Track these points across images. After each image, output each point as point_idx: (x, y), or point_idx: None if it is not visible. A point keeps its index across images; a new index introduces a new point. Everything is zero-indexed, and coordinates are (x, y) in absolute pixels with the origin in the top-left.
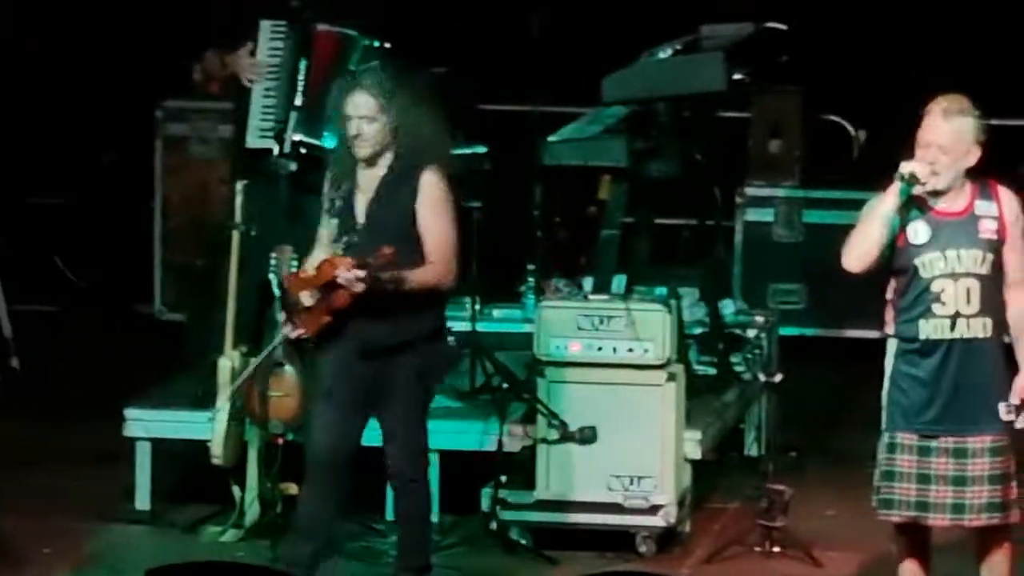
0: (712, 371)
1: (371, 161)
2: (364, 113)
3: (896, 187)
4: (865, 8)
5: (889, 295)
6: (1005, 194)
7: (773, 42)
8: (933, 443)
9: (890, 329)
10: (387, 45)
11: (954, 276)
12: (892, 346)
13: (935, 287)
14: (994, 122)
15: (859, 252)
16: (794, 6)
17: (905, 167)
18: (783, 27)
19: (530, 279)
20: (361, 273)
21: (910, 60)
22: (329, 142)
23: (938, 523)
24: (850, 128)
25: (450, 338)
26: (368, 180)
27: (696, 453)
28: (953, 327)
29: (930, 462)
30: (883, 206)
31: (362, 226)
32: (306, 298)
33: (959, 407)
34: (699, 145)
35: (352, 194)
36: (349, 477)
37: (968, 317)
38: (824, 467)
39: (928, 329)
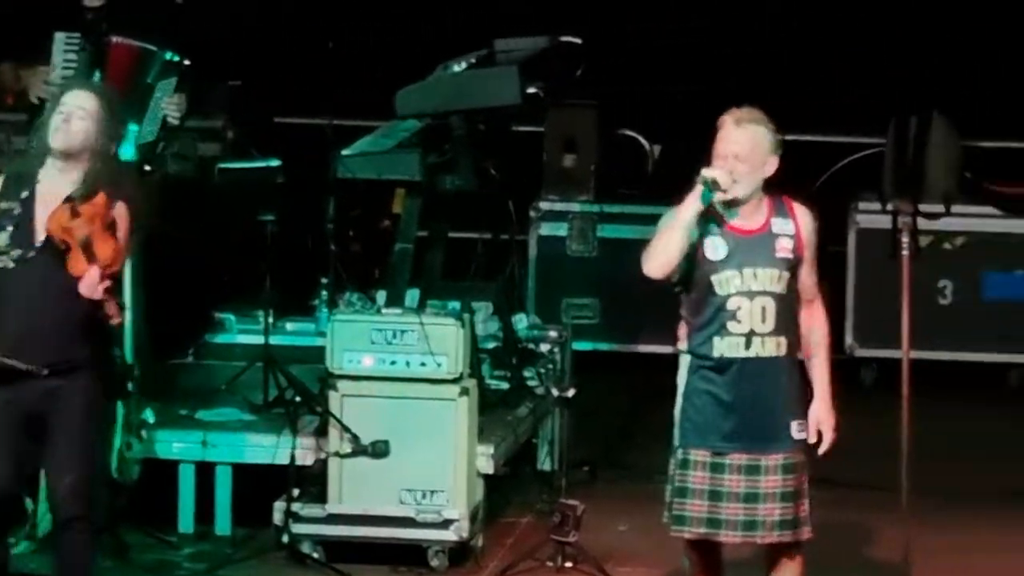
0: (505, 385)
1: (65, 159)
2: (82, 105)
3: (698, 192)
4: (659, 22)
5: (683, 311)
6: (801, 212)
7: (568, 56)
8: (726, 460)
9: (684, 345)
10: (186, 61)
11: (750, 294)
12: (685, 362)
13: (731, 305)
14: (789, 137)
15: (661, 259)
16: (588, 20)
17: (707, 172)
18: (578, 41)
19: (323, 292)
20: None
21: (704, 75)
22: (126, 152)
23: (729, 540)
24: (645, 143)
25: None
26: (52, 189)
27: (489, 467)
28: (748, 345)
29: (722, 479)
30: (685, 212)
31: (43, 243)
32: None
33: (752, 425)
34: (493, 159)
35: (31, 202)
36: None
37: (763, 336)
38: (616, 482)
39: (723, 347)
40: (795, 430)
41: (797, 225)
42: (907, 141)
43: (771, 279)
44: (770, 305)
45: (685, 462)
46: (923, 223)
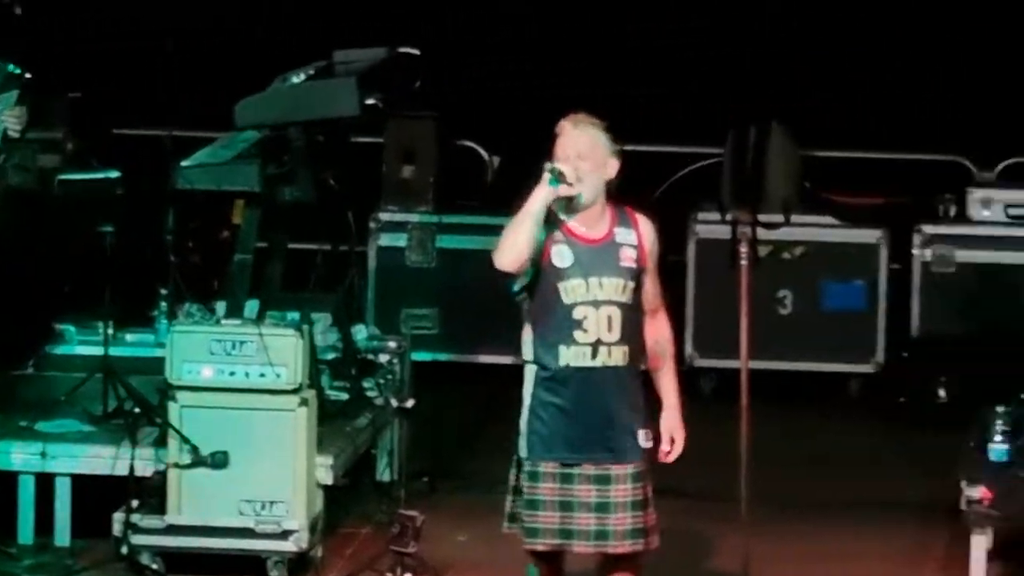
0: (344, 396)
1: None
2: None
3: (545, 180)
4: (497, 34)
5: (527, 321)
6: (643, 221)
7: (406, 67)
8: (575, 471)
9: (528, 355)
10: (27, 75)
11: (596, 303)
12: (530, 373)
13: (577, 314)
14: (628, 147)
15: (512, 251)
16: (427, 31)
17: (554, 163)
18: (416, 52)
19: (163, 303)
20: None
21: (542, 86)
22: None
23: (582, 550)
24: (484, 154)
25: None
26: None
27: (328, 478)
28: (595, 355)
29: (572, 489)
30: (533, 203)
31: None
32: None
33: (601, 435)
34: (332, 170)
35: None
36: None
37: (609, 345)
38: (455, 492)
39: (569, 356)
40: (642, 439)
41: (640, 235)
42: (746, 151)
43: (616, 289)
44: (616, 314)
45: (534, 474)
46: (762, 233)
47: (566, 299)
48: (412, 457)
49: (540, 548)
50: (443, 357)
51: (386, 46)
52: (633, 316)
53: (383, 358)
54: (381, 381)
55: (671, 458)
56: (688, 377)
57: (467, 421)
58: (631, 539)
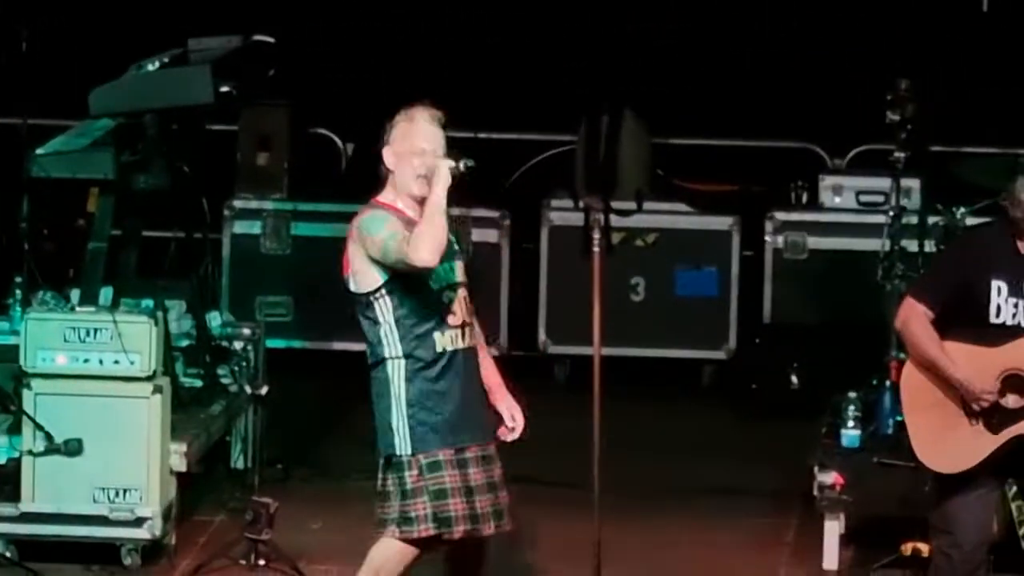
0: (199, 383)
1: None
2: None
3: (447, 177)
4: (350, 22)
5: (385, 317)
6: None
7: (261, 55)
8: (467, 454)
9: (394, 352)
10: None
11: (454, 286)
12: (398, 368)
13: (445, 298)
14: (482, 135)
15: (434, 244)
16: (282, 20)
17: (450, 165)
18: (271, 40)
19: (17, 291)
20: None
21: (395, 74)
22: None
23: (489, 532)
24: (338, 141)
25: None
26: None
27: (182, 465)
28: (463, 336)
29: (468, 473)
30: (443, 199)
31: None
32: None
33: (476, 415)
34: (187, 158)
35: None
36: None
37: (469, 326)
38: (310, 480)
39: (445, 341)
40: (490, 418)
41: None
42: (598, 138)
43: (462, 270)
44: (465, 295)
45: (435, 464)
46: (615, 220)
47: (434, 285)
48: (266, 444)
49: (456, 536)
50: (297, 344)
51: (241, 34)
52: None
53: (237, 345)
54: (235, 368)
55: (517, 435)
56: (541, 364)
57: (321, 408)
58: (503, 519)
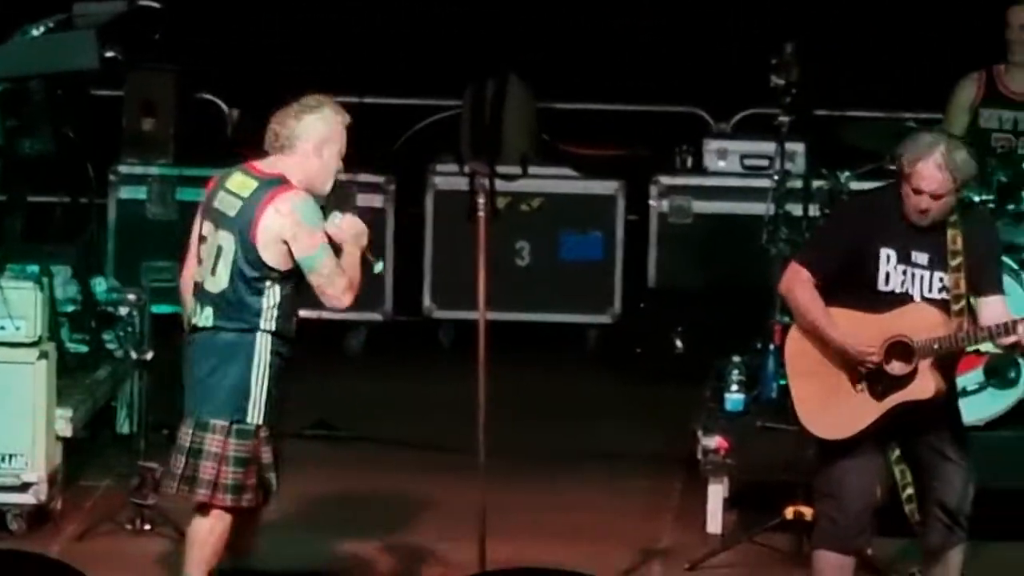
0: (84, 349)
1: None
2: None
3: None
4: None
5: (271, 295)
6: None
7: (146, 20)
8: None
9: (268, 326)
10: None
11: None
12: (265, 342)
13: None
14: (367, 100)
15: (355, 291)
16: None
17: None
18: (156, 5)
19: None
20: None
21: (280, 40)
22: None
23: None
24: (224, 107)
25: None
26: None
27: (68, 431)
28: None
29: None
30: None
31: None
32: None
33: None
34: (72, 123)
35: None
36: None
37: None
38: None
39: (293, 324)
40: None
41: None
42: (484, 103)
43: None
44: None
45: (269, 438)
46: (500, 185)
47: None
48: (152, 409)
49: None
50: (182, 310)
51: None
52: None
53: (123, 311)
54: (121, 333)
55: None
56: (427, 329)
57: None
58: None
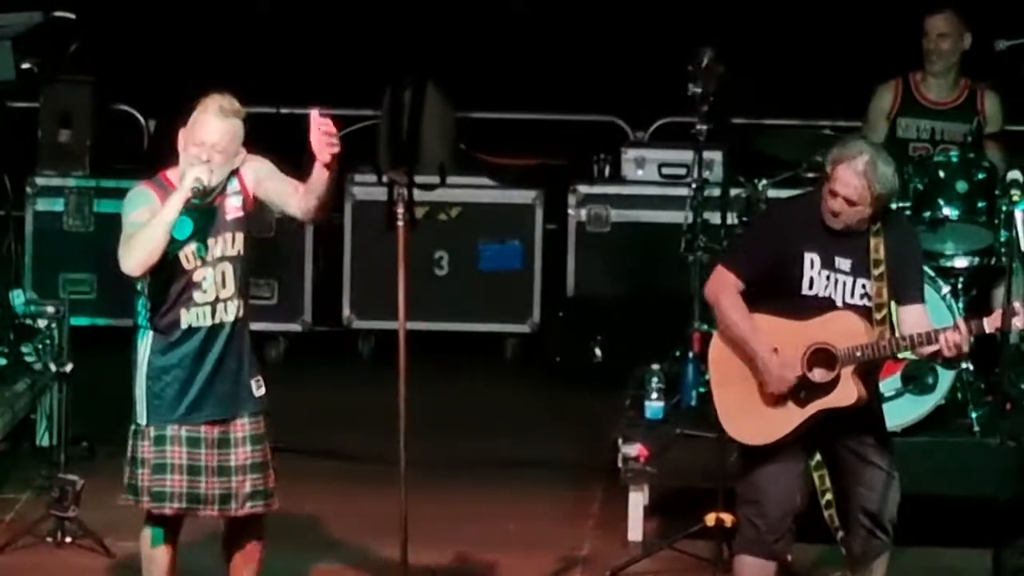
0: (3, 362)
1: None
2: None
3: (186, 196)
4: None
5: (143, 289)
6: (246, 169)
7: (62, 31)
8: (200, 433)
9: (143, 322)
10: None
11: (212, 263)
12: (146, 339)
13: (196, 276)
14: (284, 111)
15: (143, 257)
16: None
17: (195, 177)
18: (72, 16)
19: None
20: None
21: (196, 50)
22: None
23: (210, 513)
24: (140, 118)
25: None
26: None
27: None
28: (213, 313)
29: (199, 453)
30: (170, 213)
31: None
32: None
33: (221, 392)
34: None
35: None
36: None
37: (225, 301)
38: (115, 457)
39: (190, 318)
40: (255, 388)
41: (242, 181)
42: (402, 113)
43: (229, 242)
44: (229, 270)
45: (161, 438)
46: (419, 194)
47: (187, 264)
48: (72, 422)
49: (167, 512)
50: (101, 321)
51: (41, 10)
52: (246, 267)
53: (41, 323)
54: (40, 346)
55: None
56: (346, 339)
57: (125, 386)
58: (251, 501)
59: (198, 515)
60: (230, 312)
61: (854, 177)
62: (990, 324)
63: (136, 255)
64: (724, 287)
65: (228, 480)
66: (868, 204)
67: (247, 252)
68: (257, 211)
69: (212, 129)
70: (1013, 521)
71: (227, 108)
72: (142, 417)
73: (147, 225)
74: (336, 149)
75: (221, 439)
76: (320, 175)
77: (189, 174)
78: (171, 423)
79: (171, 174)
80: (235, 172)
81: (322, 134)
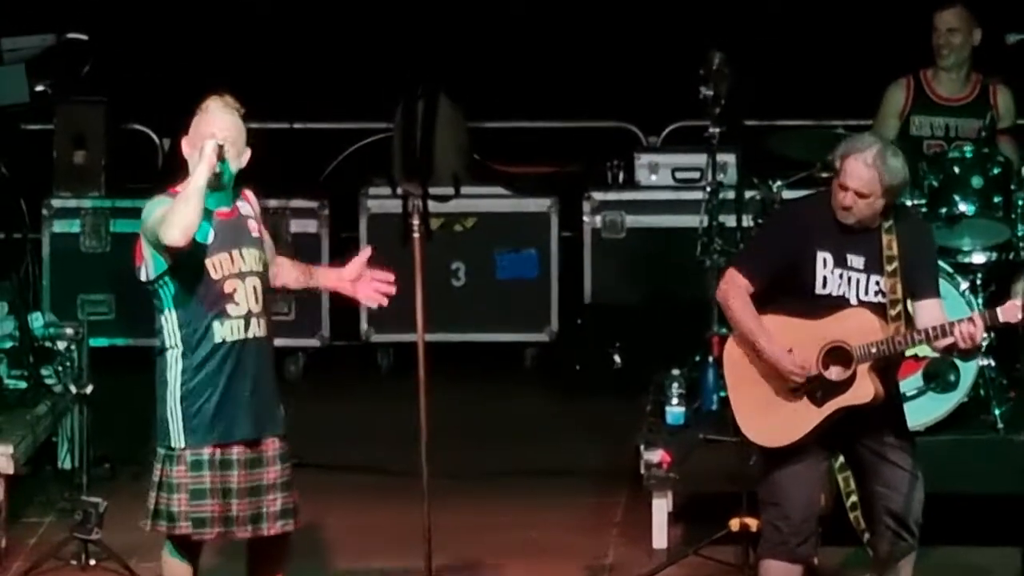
0: (23, 384)
1: None
2: None
3: (213, 161)
4: (166, 16)
5: (167, 306)
6: (251, 195)
7: (75, 52)
8: (233, 455)
9: (174, 342)
10: None
11: (242, 275)
12: (176, 358)
13: (227, 288)
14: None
15: (185, 225)
16: (95, 16)
17: (214, 144)
18: (84, 37)
19: None
20: None
21: (210, 69)
22: None
23: (244, 535)
24: (155, 137)
25: None
26: None
27: (9, 468)
28: (247, 327)
29: (231, 475)
30: (200, 179)
31: None
32: None
33: (255, 411)
34: (3, 157)
35: None
36: None
37: (257, 316)
38: (138, 477)
39: (224, 332)
40: (280, 411)
41: (253, 208)
42: (414, 125)
43: (256, 259)
44: (259, 285)
45: (198, 463)
46: (433, 206)
47: (215, 274)
48: (93, 443)
49: (207, 538)
50: (120, 342)
51: (54, 32)
52: (269, 286)
53: (61, 345)
54: (59, 368)
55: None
56: (364, 353)
57: (146, 405)
58: (282, 520)
59: (235, 537)
60: (262, 327)
61: (864, 169)
62: (1004, 314)
63: (178, 222)
64: (734, 289)
65: (259, 500)
66: (879, 196)
67: (267, 272)
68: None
69: (220, 121)
70: None
71: (230, 103)
72: (177, 440)
73: (179, 198)
74: (383, 302)
75: (252, 459)
76: (316, 287)
77: (207, 145)
78: (207, 445)
79: (181, 187)
80: (247, 199)
81: (379, 291)
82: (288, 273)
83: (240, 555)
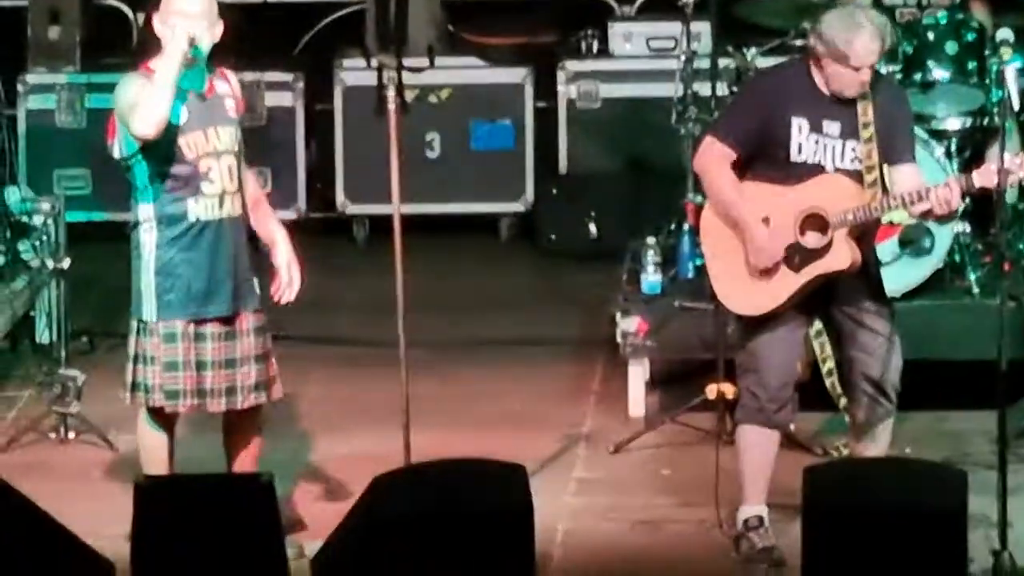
0: (0, 260)
1: None
2: None
3: (184, 51)
4: None
5: (141, 181)
6: (231, 75)
7: None
8: (207, 329)
9: (148, 216)
10: None
11: (216, 155)
12: (150, 234)
13: (202, 166)
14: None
15: (156, 117)
16: None
17: (187, 34)
18: None
19: None
20: None
21: None
22: None
23: (217, 408)
24: (128, 11)
25: None
26: None
27: None
28: (221, 205)
29: (205, 348)
30: (171, 71)
31: None
32: None
33: (229, 286)
34: None
35: None
36: None
37: (232, 194)
38: (116, 350)
39: (199, 210)
40: (256, 286)
41: (232, 87)
42: None
43: (231, 138)
44: (234, 163)
45: (171, 335)
46: (408, 78)
47: (189, 153)
48: (71, 317)
49: (180, 409)
50: (97, 216)
51: None
52: (242, 165)
53: (37, 220)
54: (36, 243)
55: (292, 295)
56: (340, 225)
57: (123, 279)
58: (256, 392)
59: (207, 410)
60: (236, 206)
61: (873, 43)
62: (980, 178)
63: (147, 116)
64: (713, 157)
65: (233, 372)
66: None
67: (242, 151)
68: (244, 118)
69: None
70: (1015, 382)
71: None
72: (150, 314)
73: (148, 91)
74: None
75: (227, 332)
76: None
77: (179, 28)
78: (181, 319)
79: (154, 64)
80: (225, 79)
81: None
82: (262, 227)
83: (217, 426)
